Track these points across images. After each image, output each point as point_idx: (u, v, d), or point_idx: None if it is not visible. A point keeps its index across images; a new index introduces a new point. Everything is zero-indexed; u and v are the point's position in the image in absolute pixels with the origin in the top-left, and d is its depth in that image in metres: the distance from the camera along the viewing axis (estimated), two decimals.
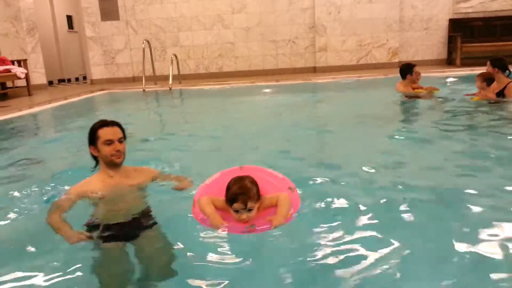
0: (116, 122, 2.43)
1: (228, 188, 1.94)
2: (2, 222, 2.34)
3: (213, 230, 1.93)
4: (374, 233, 1.97)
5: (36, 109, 6.90)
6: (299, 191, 2.20)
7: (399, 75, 5.96)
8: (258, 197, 1.94)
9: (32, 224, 2.29)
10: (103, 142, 2.34)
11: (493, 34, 9.66)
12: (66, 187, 2.60)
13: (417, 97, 5.71)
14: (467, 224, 2.04)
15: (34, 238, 2.12)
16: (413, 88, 5.86)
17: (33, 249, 2.00)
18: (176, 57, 9.24)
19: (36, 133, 5.44)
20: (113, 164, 2.39)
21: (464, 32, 9.58)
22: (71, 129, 5.39)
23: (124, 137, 2.44)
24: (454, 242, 1.85)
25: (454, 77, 7.93)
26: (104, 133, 2.34)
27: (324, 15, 10.02)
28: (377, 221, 2.11)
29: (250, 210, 1.90)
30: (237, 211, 1.91)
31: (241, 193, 1.88)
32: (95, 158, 2.45)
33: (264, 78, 9.46)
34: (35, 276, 1.77)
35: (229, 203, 1.93)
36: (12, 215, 2.42)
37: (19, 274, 1.80)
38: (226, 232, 1.91)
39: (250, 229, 1.89)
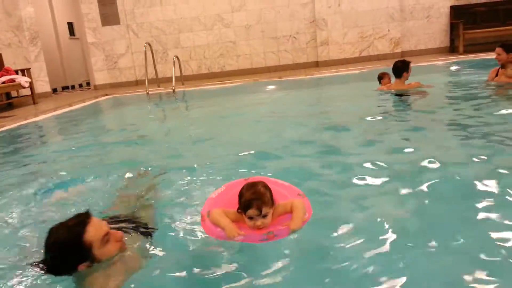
0: (86, 212, 1.74)
1: (241, 195, 1.89)
2: (7, 230, 2.37)
3: (227, 242, 1.89)
4: (385, 236, 1.94)
5: (41, 117, 6.96)
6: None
7: None
8: (272, 202, 1.89)
9: (34, 229, 2.31)
10: (101, 242, 1.67)
11: (496, 19, 9.55)
12: (72, 196, 2.63)
13: (407, 94, 5.34)
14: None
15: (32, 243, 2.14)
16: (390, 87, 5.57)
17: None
18: (178, 58, 9.26)
19: (42, 141, 5.49)
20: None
21: (466, 18, 9.49)
22: (77, 136, 5.42)
23: None
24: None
25: (457, 65, 7.87)
26: (94, 232, 1.66)
27: (324, 8, 9.97)
28: (388, 221, 2.08)
29: (264, 216, 1.85)
30: (251, 218, 1.86)
31: (255, 199, 1.83)
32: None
33: (266, 75, 9.46)
34: None
35: (242, 210, 1.88)
36: (16, 222, 2.45)
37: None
38: (243, 242, 1.87)
39: (269, 236, 1.84)
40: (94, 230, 1.64)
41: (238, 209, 1.93)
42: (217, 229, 1.92)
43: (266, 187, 1.92)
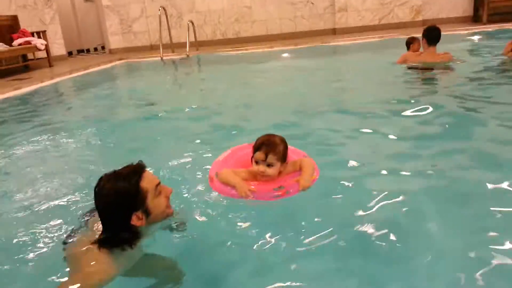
0: (140, 163, 1.66)
1: (256, 140, 1.97)
2: (28, 192, 2.43)
3: (238, 200, 1.92)
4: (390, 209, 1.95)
5: (57, 80, 7.02)
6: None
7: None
8: (283, 157, 1.94)
9: (55, 192, 2.38)
10: (155, 192, 1.62)
11: None
12: (90, 158, 2.67)
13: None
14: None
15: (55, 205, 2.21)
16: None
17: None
18: (192, 23, 9.12)
19: (58, 104, 5.54)
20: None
21: None
22: (94, 99, 5.47)
23: None
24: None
25: (480, 34, 7.59)
26: (149, 181, 1.61)
27: None
28: (394, 190, 2.10)
29: (269, 165, 1.91)
30: (257, 163, 1.93)
31: (265, 144, 1.90)
32: (131, 237, 1.57)
33: (282, 42, 9.28)
34: None
35: (253, 153, 1.95)
36: (36, 185, 2.51)
37: None
38: (254, 200, 1.91)
39: (280, 190, 1.89)
40: (149, 179, 1.61)
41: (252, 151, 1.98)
42: (227, 187, 1.97)
43: (283, 141, 1.97)
